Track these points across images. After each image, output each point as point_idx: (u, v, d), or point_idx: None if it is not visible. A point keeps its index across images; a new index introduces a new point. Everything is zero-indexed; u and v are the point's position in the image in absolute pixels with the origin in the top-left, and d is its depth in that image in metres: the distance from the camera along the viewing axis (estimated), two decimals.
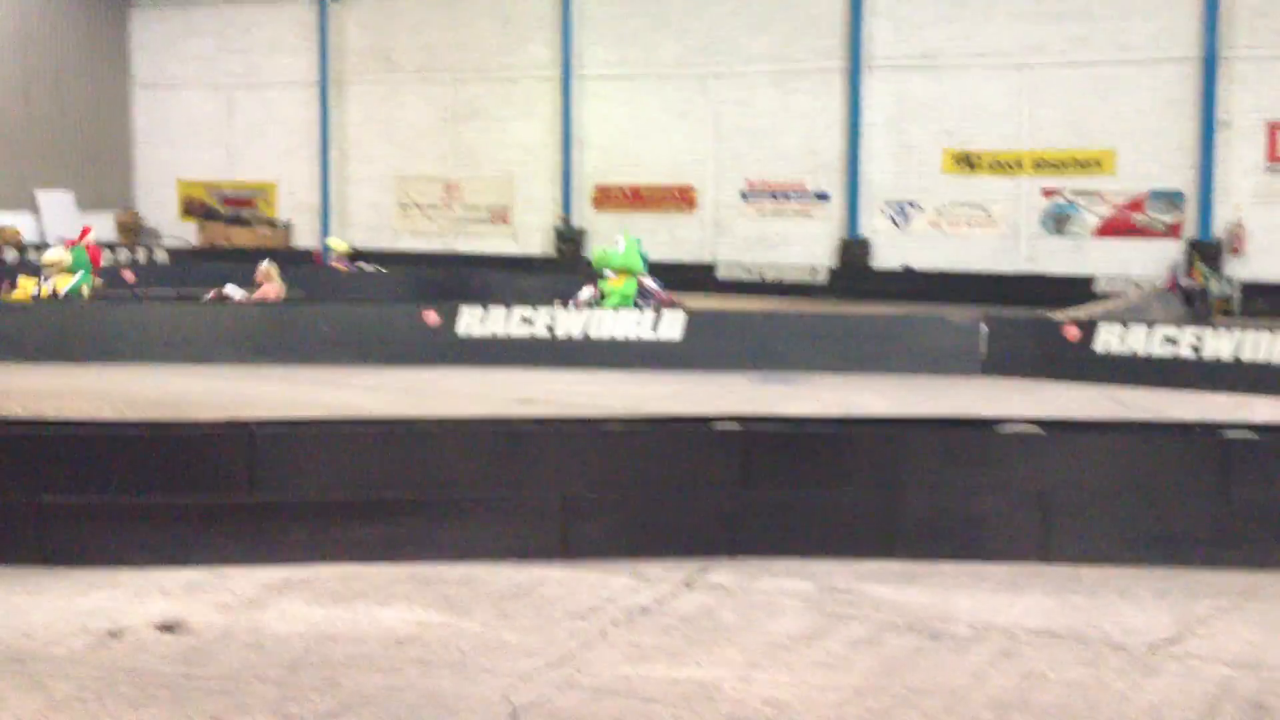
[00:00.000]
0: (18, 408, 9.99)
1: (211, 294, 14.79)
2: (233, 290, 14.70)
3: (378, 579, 5.86)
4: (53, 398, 10.58)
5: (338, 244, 20.41)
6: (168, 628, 5.18)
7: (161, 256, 24.96)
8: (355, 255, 20.71)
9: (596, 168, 26.46)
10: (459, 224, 27.71)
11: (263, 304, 14.83)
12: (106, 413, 9.73)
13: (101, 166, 29.88)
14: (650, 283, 14.77)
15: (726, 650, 5.05)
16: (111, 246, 25.51)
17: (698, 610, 5.54)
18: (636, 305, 14.18)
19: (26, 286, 14.55)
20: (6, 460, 6.13)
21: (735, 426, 6.53)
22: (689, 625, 5.35)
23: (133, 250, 25.26)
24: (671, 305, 14.28)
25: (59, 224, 27.81)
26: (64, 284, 14.33)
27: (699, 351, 13.42)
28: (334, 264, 19.52)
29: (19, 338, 13.46)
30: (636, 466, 6.41)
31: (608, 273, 14.68)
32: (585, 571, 6.02)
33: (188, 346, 13.42)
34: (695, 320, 13.72)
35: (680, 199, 25.80)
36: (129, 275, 18.70)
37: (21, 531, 6.04)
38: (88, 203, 29.10)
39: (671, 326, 13.56)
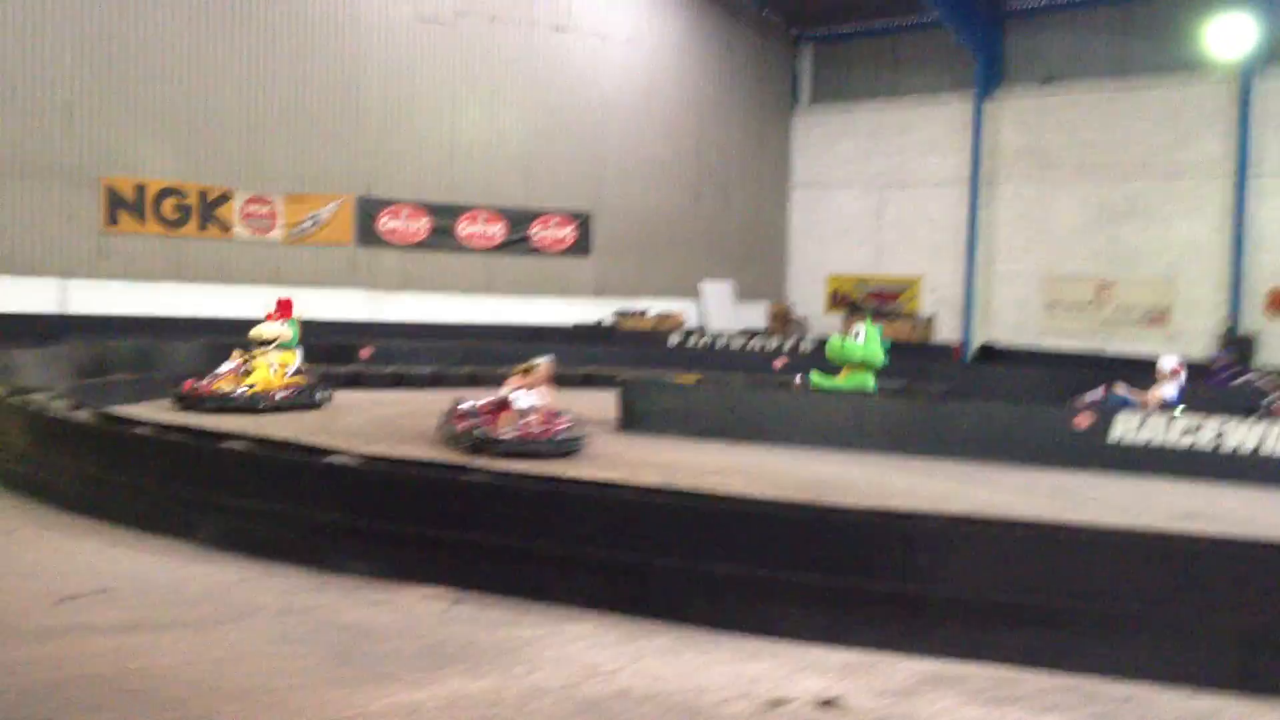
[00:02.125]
0: (684, 480, 10.82)
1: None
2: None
3: (1032, 686, 5.67)
4: (715, 473, 11.26)
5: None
6: (826, 704, 5.31)
7: (808, 346, 26.22)
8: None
9: (1273, 270, 24.38)
10: (1110, 325, 26.61)
11: (902, 398, 15.17)
12: (762, 491, 10.28)
13: (759, 260, 32.11)
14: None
15: None
16: (764, 334, 27.18)
17: None
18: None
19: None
20: (686, 530, 6.64)
21: None
22: None
23: (783, 338, 26.74)
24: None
25: (718, 312, 30.24)
26: (289, 360, 15.79)
27: None
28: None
29: (684, 416, 14.61)
30: None
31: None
32: (1270, 710, 5.45)
33: (833, 433, 13.89)
34: None
35: None
36: (366, 353, 19.80)
37: (695, 596, 6.50)
38: (745, 293, 31.38)
39: None
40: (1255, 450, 12.42)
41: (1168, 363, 14.95)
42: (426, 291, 26.63)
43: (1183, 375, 14.97)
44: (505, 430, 12.12)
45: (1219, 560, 5.95)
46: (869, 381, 14.90)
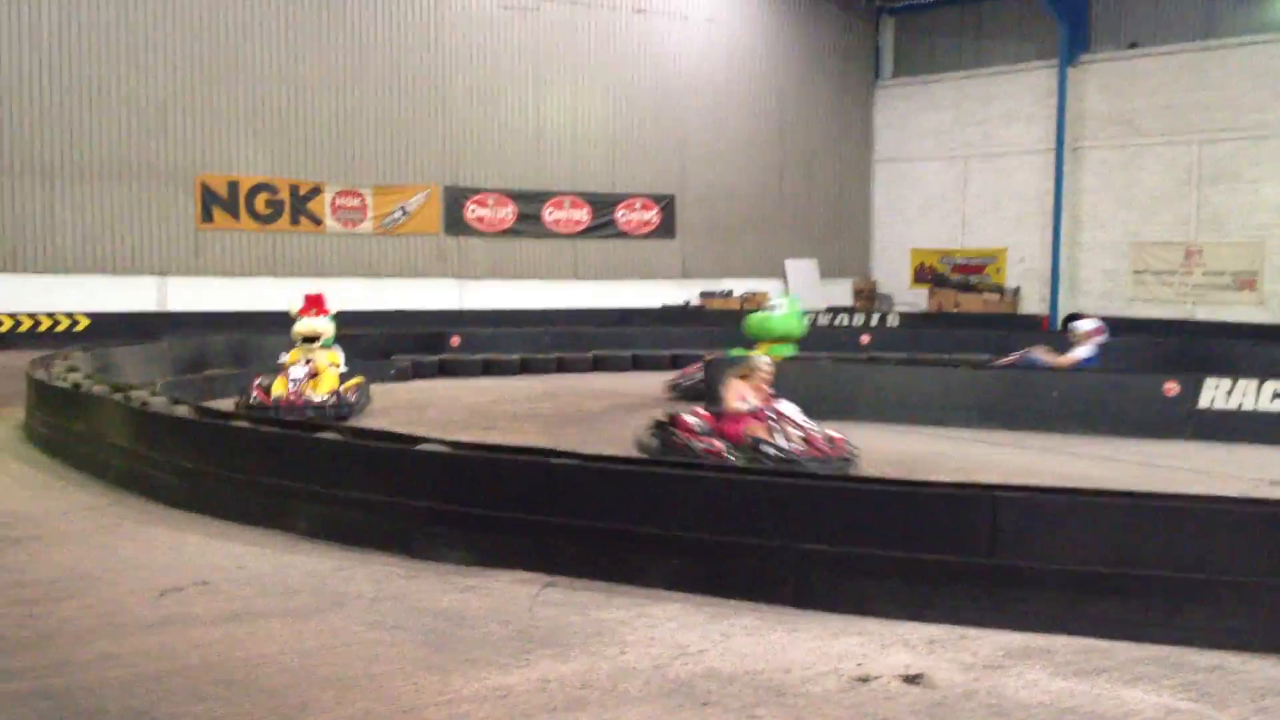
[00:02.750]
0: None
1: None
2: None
3: (1120, 656, 5.66)
4: None
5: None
6: (913, 679, 5.34)
7: (893, 320, 26.09)
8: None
9: None
10: (1199, 291, 26.12)
11: (995, 369, 15.03)
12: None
13: (843, 237, 31.96)
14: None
15: None
16: (849, 310, 27.10)
17: None
18: None
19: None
20: (772, 509, 6.72)
21: None
22: None
23: (868, 314, 26.62)
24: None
25: (804, 290, 30.13)
26: (336, 359, 14.36)
27: None
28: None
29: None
30: None
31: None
32: None
33: (920, 408, 13.85)
34: None
35: None
36: (455, 341, 19.50)
37: (782, 575, 6.56)
38: (829, 270, 31.27)
39: None
40: None
41: (1084, 325, 15.30)
42: (513, 278, 26.97)
43: (1102, 337, 15.07)
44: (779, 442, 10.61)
45: None
46: (788, 354, 14.36)
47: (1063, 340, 15.72)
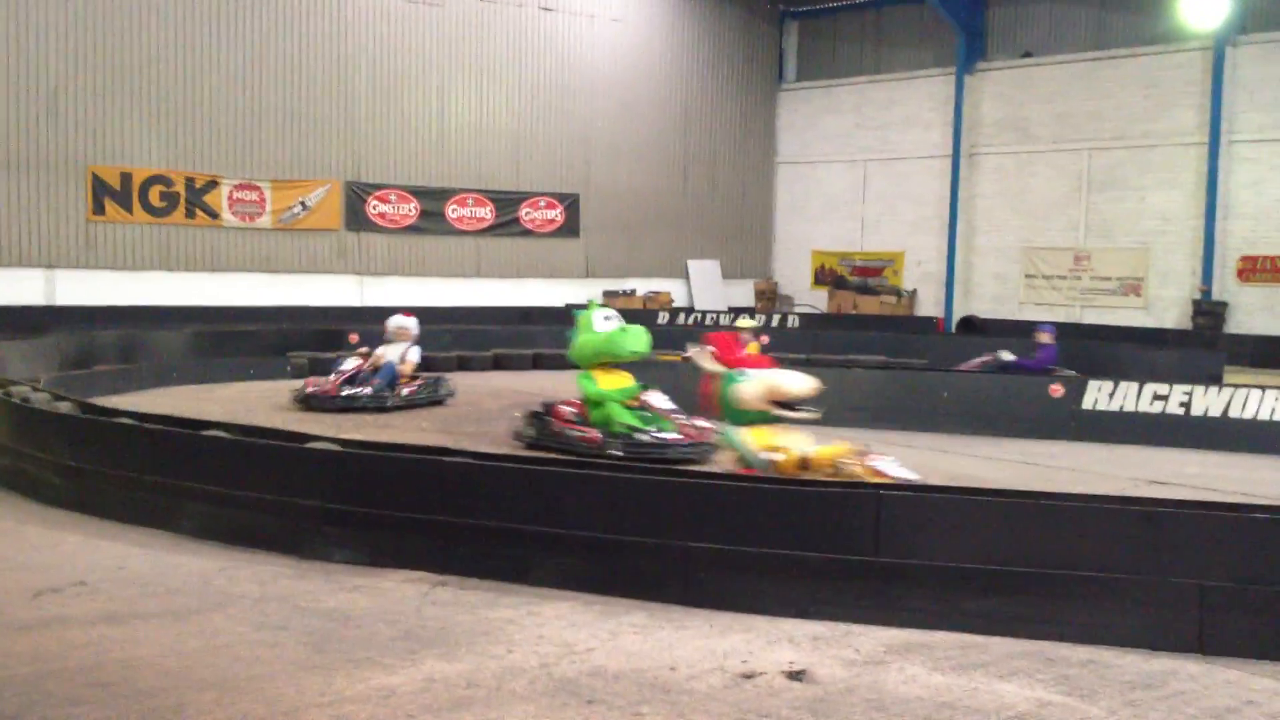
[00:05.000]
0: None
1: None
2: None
3: (997, 651, 5.80)
4: None
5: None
6: (796, 676, 5.42)
7: (793, 322, 26.36)
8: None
9: (1244, 238, 24.58)
10: (1087, 295, 26.80)
11: (883, 371, 15.45)
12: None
13: (745, 238, 32.19)
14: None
15: None
16: (750, 311, 27.34)
17: None
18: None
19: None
20: (661, 508, 6.76)
21: None
22: None
23: (768, 315, 26.86)
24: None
25: (705, 290, 30.33)
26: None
27: None
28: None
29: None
30: None
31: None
32: (1223, 670, 5.59)
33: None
34: None
35: None
36: (354, 338, 19.13)
37: (671, 573, 6.61)
38: (731, 271, 31.48)
39: None
40: (1223, 415, 12.67)
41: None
42: (416, 276, 26.72)
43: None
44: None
45: (1179, 523, 6.08)
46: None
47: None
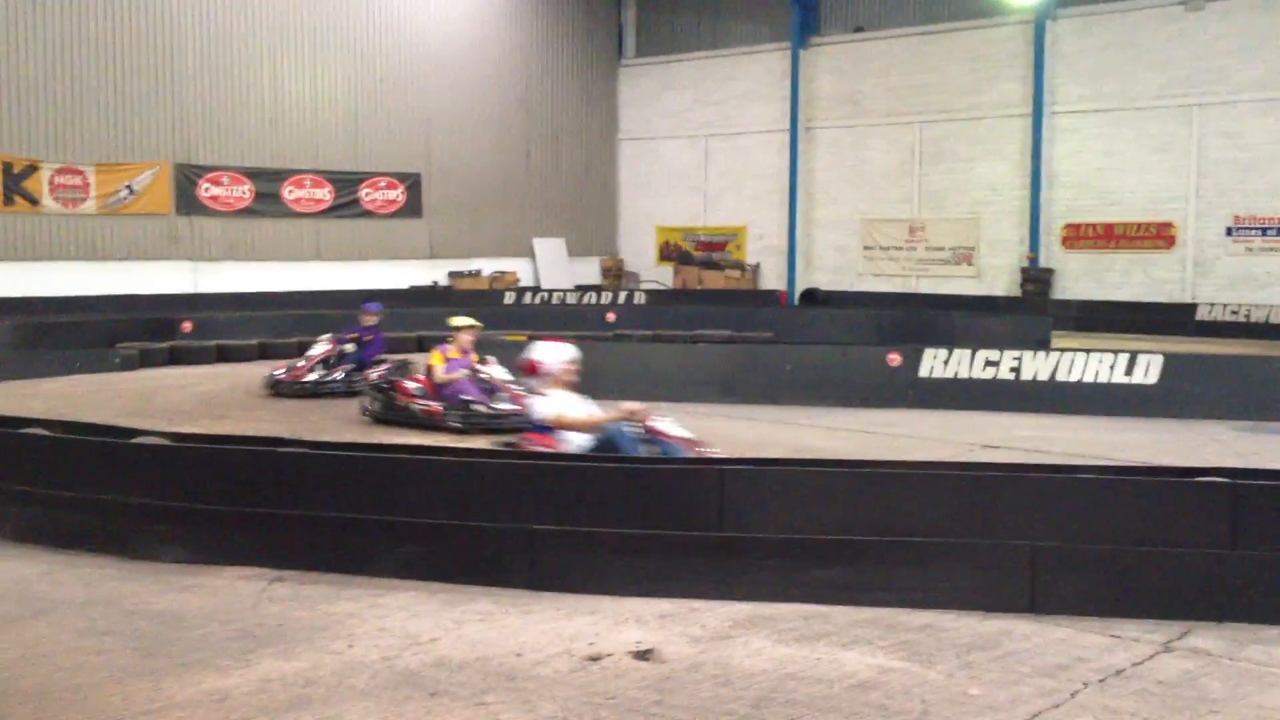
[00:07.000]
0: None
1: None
2: None
3: (839, 620, 5.88)
4: None
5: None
6: (642, 655, 5.41)
7: (640, 299, 26.45)
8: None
9: (1067, 206, 25.55)
10: (922, 265, 27.53)
11: (726, 346, 15.44)
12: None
13: (589, 215, 32.17)
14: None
15: None
16: (597, 289, 27.35)
17: (1179, 677, 5.16)
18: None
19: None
20: (505, 491, 6.68)
21: (1222, 480, 6.04)
22: (1169, 692, 4.98)
23: (615, 293, 26.92)
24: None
25: (551, 269, 30.22)
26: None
27: (1178, 397, 12.59)
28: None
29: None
30: (1112, 520, 6.06)
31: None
32: (1054, 628, 5.76)
33: (662, 384, 14.01)
34: (1173, 364, 12.86)
35: (1158, 236, 24.43)
36: (188, 326, 19.36)
37: (516, 557, 6.53)
38: (577, 249, 31.43)
39: (1148, 371, 12.79)
40: (1051, 379, 13.13)
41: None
42: (252, 260, 26.03)
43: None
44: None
45: (1010, 487, 6.25)
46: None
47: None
